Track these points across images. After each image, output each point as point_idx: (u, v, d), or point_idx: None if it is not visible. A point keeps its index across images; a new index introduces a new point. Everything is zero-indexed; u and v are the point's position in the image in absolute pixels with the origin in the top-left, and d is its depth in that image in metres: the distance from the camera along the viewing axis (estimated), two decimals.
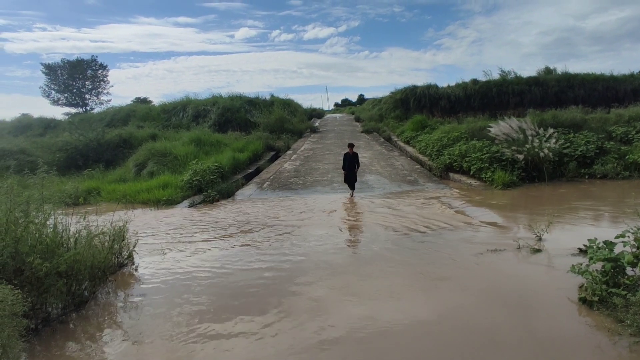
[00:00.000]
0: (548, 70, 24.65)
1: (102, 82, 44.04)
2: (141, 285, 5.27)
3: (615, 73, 22.94)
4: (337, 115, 40.76)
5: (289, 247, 6.52)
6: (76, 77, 41.91)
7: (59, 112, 51.09)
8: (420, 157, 14.81)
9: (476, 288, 4.62)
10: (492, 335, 3.64)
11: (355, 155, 10.50)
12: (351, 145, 10.69)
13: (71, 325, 4.27)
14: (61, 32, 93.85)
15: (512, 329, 3.73)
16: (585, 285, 4.24)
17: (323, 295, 4.64)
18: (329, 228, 7.52)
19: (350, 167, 10.35)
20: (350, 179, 10.42)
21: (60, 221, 4.93)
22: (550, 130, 11.54)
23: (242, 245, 6.70)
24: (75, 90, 42.29)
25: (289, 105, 26.86)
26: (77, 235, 5.05)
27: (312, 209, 9.17)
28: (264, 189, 11.84)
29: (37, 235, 4.37)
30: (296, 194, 11.02)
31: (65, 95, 42.07)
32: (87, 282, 4.83)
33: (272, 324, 4.04)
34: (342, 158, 10.63)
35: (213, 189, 11.21)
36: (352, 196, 10.24)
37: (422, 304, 4.32)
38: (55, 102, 42.11)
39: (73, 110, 41.04)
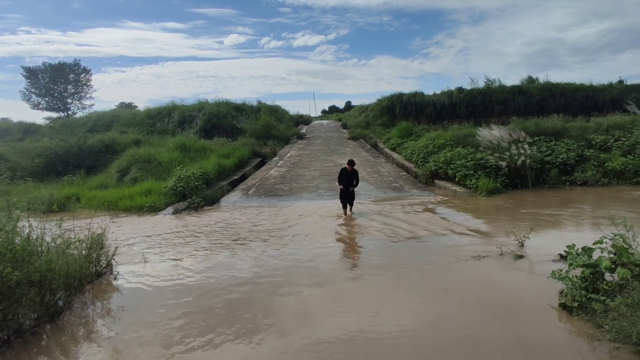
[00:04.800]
0: (531, 80, 25.22)
1: (85, 87, 43.38)
2: (120, 295, 5.12)
3: (594, 83, 23.82)
4: (325, 121, 40.76)
5: (274, 254, 6.43)
6: (58, 81, 41.18)
7: (39, 117, 49.86)
8: (406, 163, 14.91)
9: (459, 294, 4.62)
10: (474, 341, 3.63)
11: (355, 173, 9.10)
12: (351, 163, 9.12)
13: (44, 337, 4.10)
14: (46, 36, 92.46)
15: (494, 335, 3.73)
16: (565, 291, 4.28)
17: (309, 303, 4.58)
18: (313, 235, 7.46)
19: (349, 184, 8.98)
20: (348, 197, 9.05)
21: (34, 229, 4.76)
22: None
23: (226, 253, 6.58)
24: (56, 94, 41.52)
25: (276, 112, 26.77)
26: (51, 243, 4.88)
27: (297, 216, 9.10)
28: (250, 196, 11.73)
29: (6, 243, 4.21)
30: (282, 201, 10.94)
31: (46, 99, 41.29)
32: (62, 291, 4.67)
33: (257, 333, 3.95)
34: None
35: (198, 195, 11.04)
36: (352, 212, 9.10)
37: (405, 310, 4.29)
38: (36, 106, 41.31)
39: (54, 114, 40.35)
